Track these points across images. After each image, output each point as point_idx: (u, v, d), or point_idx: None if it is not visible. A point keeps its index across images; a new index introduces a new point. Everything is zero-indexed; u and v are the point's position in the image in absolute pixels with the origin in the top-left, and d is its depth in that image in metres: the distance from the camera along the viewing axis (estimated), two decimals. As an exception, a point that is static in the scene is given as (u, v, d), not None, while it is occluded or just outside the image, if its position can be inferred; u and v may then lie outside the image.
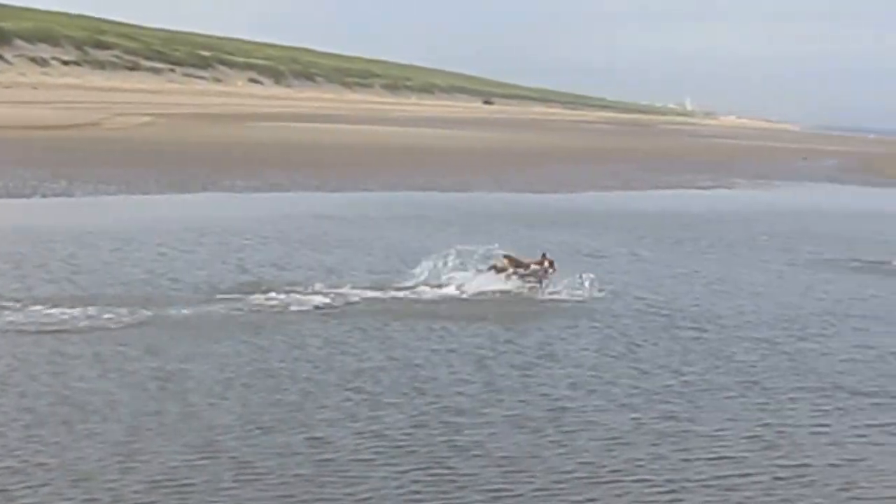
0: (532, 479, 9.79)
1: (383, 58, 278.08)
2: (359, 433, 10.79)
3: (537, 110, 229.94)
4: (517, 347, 14.91)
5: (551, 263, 19.08)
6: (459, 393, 12.48)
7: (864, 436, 11.70)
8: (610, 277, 20.32)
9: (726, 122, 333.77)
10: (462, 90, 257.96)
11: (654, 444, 10.95)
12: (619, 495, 9.56)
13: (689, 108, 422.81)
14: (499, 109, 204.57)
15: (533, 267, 19.00)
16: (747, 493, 9.75)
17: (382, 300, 17.49)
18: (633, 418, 11.83)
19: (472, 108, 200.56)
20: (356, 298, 17.45)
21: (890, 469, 10.69)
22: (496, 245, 19.49)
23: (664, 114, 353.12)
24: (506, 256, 19.09)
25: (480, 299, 18.03)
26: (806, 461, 10.71)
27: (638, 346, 15.40)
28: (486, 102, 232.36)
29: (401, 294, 18.06)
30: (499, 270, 18.89)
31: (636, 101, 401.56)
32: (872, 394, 13.43)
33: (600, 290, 18.83)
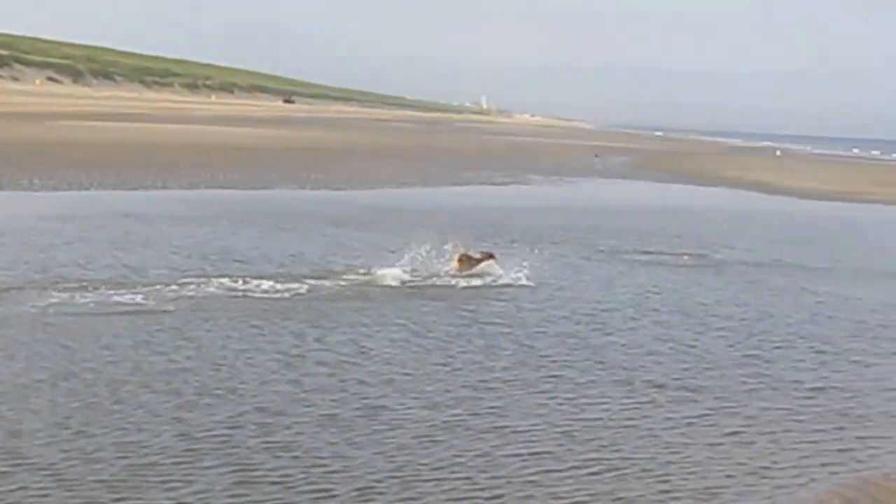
0: (353, 478, 9.87)
1: (183, 57, 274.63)
2: (183, 435, 10.69)
3: (337, 109, 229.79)
4: (325, 346, 14.94)
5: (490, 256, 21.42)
6: (275, 392, 12.45)
7: (673, 428, 12.08)
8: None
9: (521, 121, 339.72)
10: (263, 89, 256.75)
11: (471, 440, 11.12)
12: (440, 493, 9.69)
13: (485, 106, 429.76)
14: (299, 108, 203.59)
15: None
16: (565, 488, 9.96)
17: (191, 298, 17.29)
18: (451, 414, 11.98)
19: (272, 106, 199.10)
20: (169, 296, 17.26)
21: (702, 461, 11.04)
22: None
23: (461, 112, 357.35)
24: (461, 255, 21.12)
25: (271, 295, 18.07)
26: (620, 454, 11.00)
27: (446, 342, 15.55)
28: (287, 101, 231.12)
29: (213, 290, 18.00)
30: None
31: (434, 99, 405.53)
32: (678, 387, 13.86)
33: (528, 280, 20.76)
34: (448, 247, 21.57)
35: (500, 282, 20.82)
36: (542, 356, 15.06)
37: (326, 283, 19.46)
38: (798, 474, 10.84)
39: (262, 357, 14.05)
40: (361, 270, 20.57)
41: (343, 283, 19.64)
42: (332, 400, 12.26)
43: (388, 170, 52.53)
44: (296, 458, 10.30)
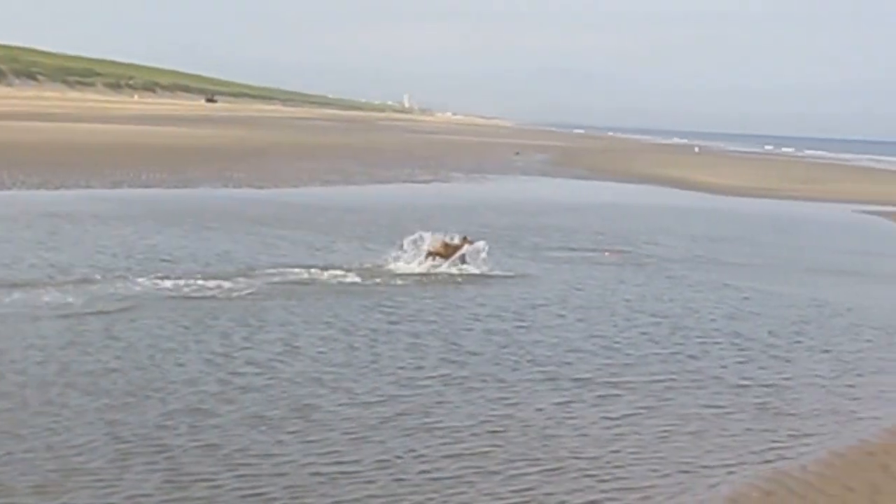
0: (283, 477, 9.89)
1: (106, 56, 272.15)
2: (111, 436, 10.61)
3: (259, 108, 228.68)
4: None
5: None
6: (204, 391, 12.40)
7: (600, 424, 12.22)
8: (333, 273, 20.76)
9: (442, 119, 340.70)
10: (185, 88, 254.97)
11: (403, 438, 11.19)
12: (372, 492, 9.72)
13: (407, 105, 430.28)
14: (222, 107, 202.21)
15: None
16: (497, 488, 10.03)
17: (119, 297, 17.15)
18: (380, 413, 12.03)
19: (195, 105, 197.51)
20: (96, 296, 17.11)
21: (627, 456, 11.19)
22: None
23: (383, 110, 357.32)
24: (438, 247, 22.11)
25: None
26: (550, 452, 11.11)
27: (374, 341, 15.55)
28: (210, 100, 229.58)
29: (140, 290, 17.89)
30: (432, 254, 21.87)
31: (356, 98, 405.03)
32: (605, 383, 14.00)
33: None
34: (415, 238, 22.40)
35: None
36: (469, 353, 15.15)
37: (254, 281, 19.44)
38: (719, 468, 11.01)
39: (191, 356, 13.96)
40: (297, 269, 20.72)
41: (272, 281, 19.65)
42: (262, 399, 12.24)
43: (310, 168, 52.45)
44: (226, 457, 10.26)
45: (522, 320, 17.79)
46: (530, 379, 13.98)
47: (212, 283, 18.82)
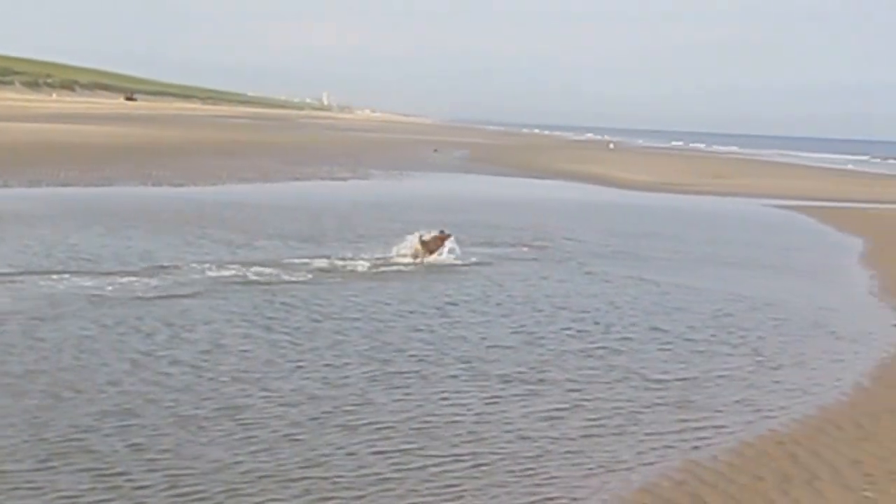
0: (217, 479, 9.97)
1: (23, 55, 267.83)
2: (36, 439, 10.62)
3: (178, 106, 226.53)
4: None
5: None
6: (129, 392, 12.41)
7: (532, 422, 12.43)
8: (257, 270, 20.90)
9: (362, 116, 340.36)
10: (104, 87, 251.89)
11: (335, 437, 11.33)
12: (303, 492, 9.85)
13: (326, 102, 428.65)
14: (142, 105, 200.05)
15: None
16: (427, 484, 10.21)
17: (40, 297, 17.03)
18: (308, 412, 12.15)
19: (114, 104, 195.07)
20: (16, 296, 17.10)
21: (550, 451, 11.46)
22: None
23: (302, 108, 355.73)
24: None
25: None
26: (479, 448, 11.31)
27: (297, 342, 15.62)
28: (129, 98, 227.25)
29: (62, 289, 17.84)
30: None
31: (276, 96, 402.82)
32: (530, 380, 14.24)
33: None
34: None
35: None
36: (396, 351, 15.30)
37: (178, 279, 19.45)
38: (634, 459, 11.31)
39: (115, 356, 13.94)
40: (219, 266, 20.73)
41: (195, 278, 19.69)
42: (189, 399, 12.28)
43: (229, 166, 52.19)
44: (153, 459, 10.30)
45: (446, 316, 17.98)
46: (457, 375, 14.17)
47: (134, 282, 18.82)
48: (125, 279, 19.06)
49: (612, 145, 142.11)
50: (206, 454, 10.52)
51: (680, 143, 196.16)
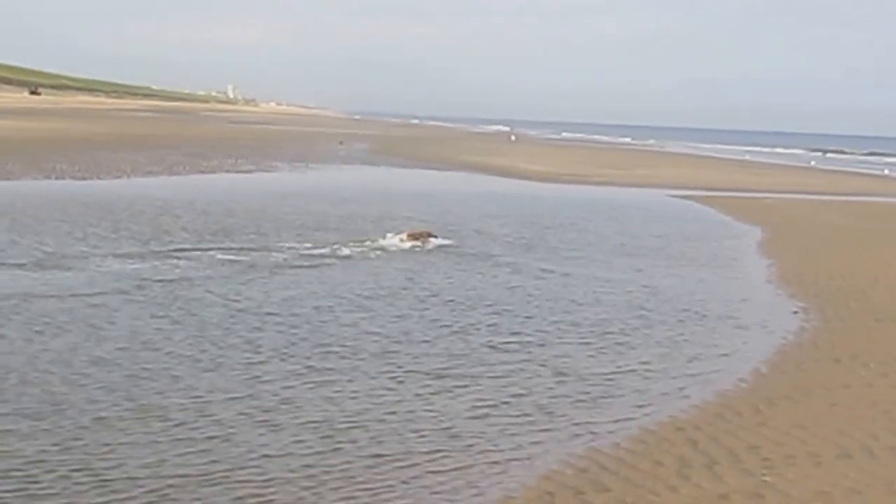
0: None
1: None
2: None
3: (83, 99, 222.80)
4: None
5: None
6: (45, 392, 12.32)
7: (438, 416, 12.59)
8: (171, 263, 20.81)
9: (266, 109, 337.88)
10: (7, 80, 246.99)
11: (258, 436, 11.39)
12: (236, 490, 9.89)
13: (231, 95, 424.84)
14: (46, 99, 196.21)
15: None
16: (375, 486, 10.29)
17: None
18: (219, 412, 12.13)
19: (17, 97, 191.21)
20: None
21: (451, 441, 11.69)
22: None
23: (207, 101, 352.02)
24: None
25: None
26: (415, 447, 11.42)
27: (214, 333, 15.67)
28: (33, 92, 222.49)
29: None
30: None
31: (180, 89, 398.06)
32: (448, 374, 14.41)
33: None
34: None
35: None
36: (316, 345, 15.38)
37: (87, 275, 19.33)
38: (538, 448, 11.58)
39: (25, 357, 13.83)
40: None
41: (102, 271, 19.61)
42: (106, 399, 12.22)
43: (133, 159, 51.58)
44: (73, 461, 10.26)
45: (361, 311, 18.04)
46: (376, 372, 14.25)
47: (39, 277, 18.65)
48: (27, 272, 18.94)
49: (513, 137, 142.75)
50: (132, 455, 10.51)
51: (566, 133, 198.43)
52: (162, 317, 16.53)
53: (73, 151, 53.54)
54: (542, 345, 16.48)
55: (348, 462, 10.73)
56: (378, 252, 24.46)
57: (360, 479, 10.32)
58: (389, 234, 26.22)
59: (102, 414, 11.64)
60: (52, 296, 17.44)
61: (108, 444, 10.72)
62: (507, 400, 13.34)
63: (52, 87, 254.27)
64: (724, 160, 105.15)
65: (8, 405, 11.74)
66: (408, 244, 25.48)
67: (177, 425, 11.48)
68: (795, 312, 20.47)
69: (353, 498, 9.88)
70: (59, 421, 11.31)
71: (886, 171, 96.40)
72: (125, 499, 9.51)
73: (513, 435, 11.97)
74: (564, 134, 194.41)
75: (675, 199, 48.06)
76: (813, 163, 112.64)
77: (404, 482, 10.32)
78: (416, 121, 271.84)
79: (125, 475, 9.98)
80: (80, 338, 14.91)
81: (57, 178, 39.83)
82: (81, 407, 11.82)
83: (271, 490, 9.90)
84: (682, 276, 24.36)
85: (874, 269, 26.66)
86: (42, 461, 10.17)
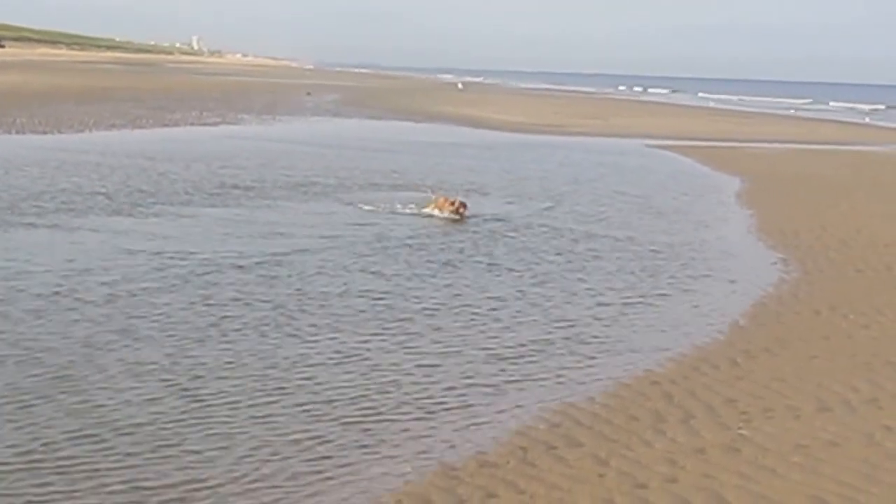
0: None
1: None
2: None
3: (43, 51, 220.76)
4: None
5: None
6: None
7: (421, 369, 12.41)
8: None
9: (233, 61, 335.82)
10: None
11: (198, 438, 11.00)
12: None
13: (196, 47, 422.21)
14: (6, 52, 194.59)
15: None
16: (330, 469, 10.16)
17: None
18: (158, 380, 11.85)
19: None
20: None
21: (446, 400, 11.47)
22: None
23: (171, 53, 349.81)
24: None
25: None
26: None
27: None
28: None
29: None
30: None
31: (145, 41, 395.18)
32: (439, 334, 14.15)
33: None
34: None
35: None
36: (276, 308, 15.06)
37: (46, 231, 19.01)
38: (510, 404, 11.33)
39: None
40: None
41: (60, 226, 19.29)
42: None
43: (95, 112, 50.78)
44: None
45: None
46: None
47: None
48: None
49: (460, 85, 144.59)
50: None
51: (562, 85, 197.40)
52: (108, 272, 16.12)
53: (34, 105, 52.68)
54: (543, 302, 16.30)
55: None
56: None
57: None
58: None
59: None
60: None
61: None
62: (477, 358, 13.10)
63: (13, 39, 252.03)
64: (702, 108, 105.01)
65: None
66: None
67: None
68: (775, 264, 20.23)
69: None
70: None
71: (867, 119, 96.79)
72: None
73: (488, 394, 11.70)
74: (546, 85, 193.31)
75: (655, 150, 47.47)
76: (792, 110, 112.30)
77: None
78: (388, 72, 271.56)
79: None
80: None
81: (17, 132, 39.06)
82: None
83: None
84: (664, 229, 23.93)
85: (856, 220, 26.42)
86: None
